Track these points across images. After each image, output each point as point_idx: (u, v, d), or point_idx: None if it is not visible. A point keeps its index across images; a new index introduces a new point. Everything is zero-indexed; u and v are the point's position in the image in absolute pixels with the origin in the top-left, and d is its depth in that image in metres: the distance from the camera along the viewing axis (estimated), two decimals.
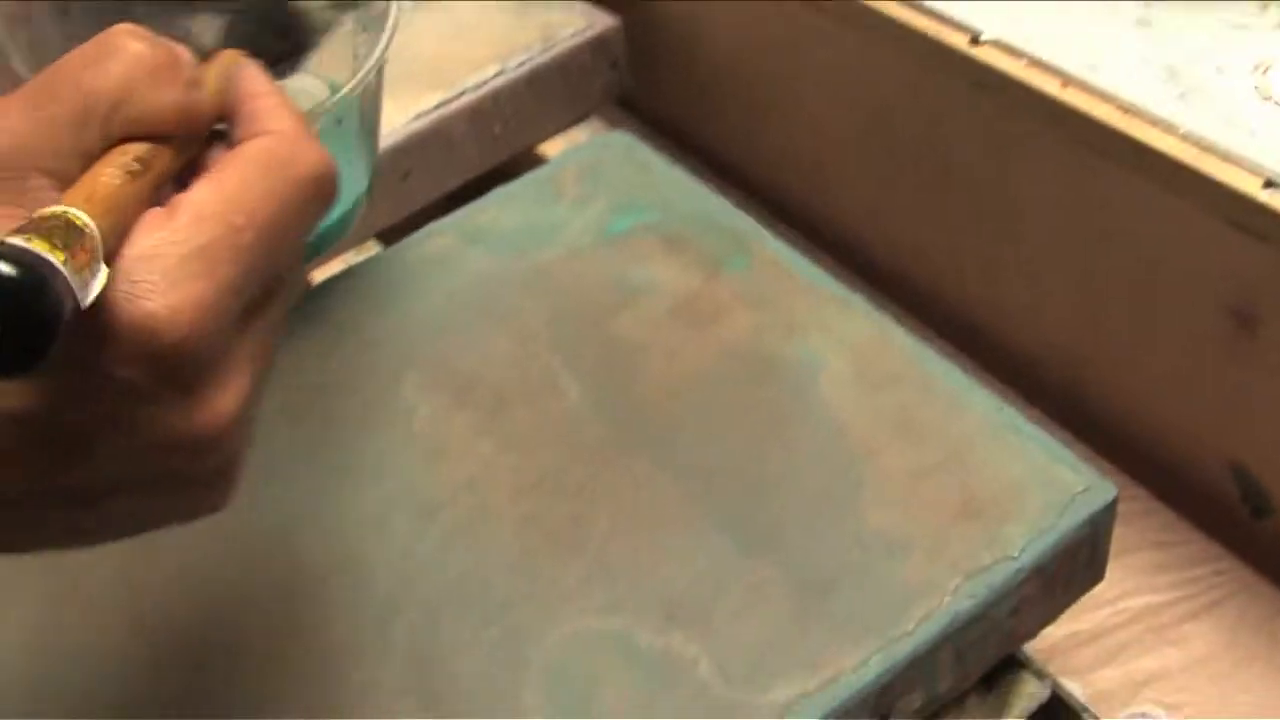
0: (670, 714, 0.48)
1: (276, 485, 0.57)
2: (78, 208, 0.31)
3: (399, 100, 0.75)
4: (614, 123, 0.81)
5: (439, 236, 0.67)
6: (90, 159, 0.35)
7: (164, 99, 0.36)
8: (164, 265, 0.33)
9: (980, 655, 0.52)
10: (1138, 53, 0.61)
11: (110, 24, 0.38)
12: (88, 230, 0.31)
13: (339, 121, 0.57)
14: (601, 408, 0.58)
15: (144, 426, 0.34)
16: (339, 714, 0.50)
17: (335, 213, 0.61)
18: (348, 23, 0.62)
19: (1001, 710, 0.54)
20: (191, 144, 0.38)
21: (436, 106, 0.75)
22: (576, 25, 0.78)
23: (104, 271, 0.31)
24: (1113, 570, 0.61)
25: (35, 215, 0.31)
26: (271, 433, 0.59)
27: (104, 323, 0.32)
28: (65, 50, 0.36)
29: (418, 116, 0.74)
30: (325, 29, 0.62)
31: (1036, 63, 0.62)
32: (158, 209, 0.35)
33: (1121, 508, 0.63)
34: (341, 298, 0.65)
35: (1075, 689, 0.58)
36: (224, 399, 0.35)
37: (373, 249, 0.74)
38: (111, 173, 0.34)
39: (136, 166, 0.35)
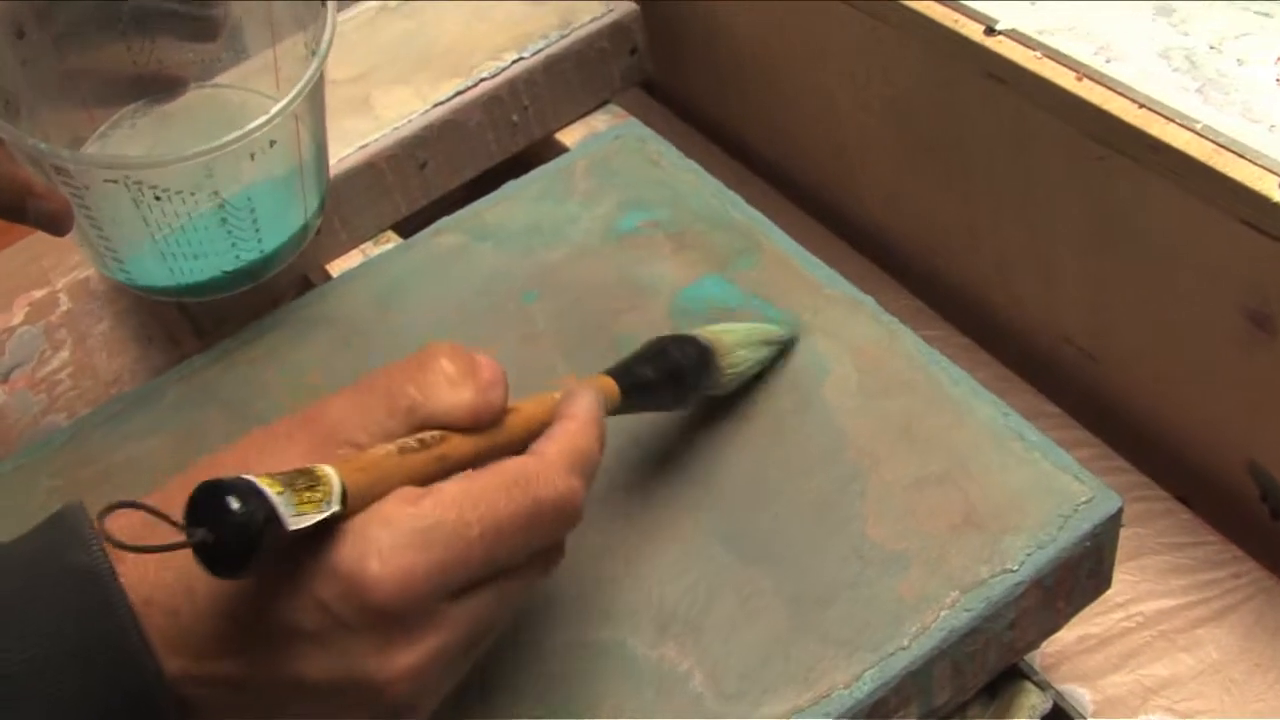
0: None
1: None
2: (334, 465, 0.40)
3: (415, 89, 0.75)
4: (636, 108, 0.80)
5: (448, 233, 0.67)
6: (393, 439, 0.43)
7: (458, 399, 0.44)
8: (394, 531, 0.40)
9: (979, 668, 0.51)
10: (1156, 43, 0.60)
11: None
12: (325, 479, 0.40)
13: (272, 143, 0.57)
14: None
15: (338, 648, 0.40)
16: None
17: (274, 242, 0.63)
18: (299, 41, 0.62)
19: None
20: (498, 438, 0.45)
21: (453, 95, 0.74)
22: (594, 11, 0.77)
23: (332, 511, 0.39)
24: (1126, 573, 0.60)
25: (300, 467, 0.40)
26: None
27: (331, 559, 0.40)
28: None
29: (434, 105, 0.74)
30: None
31: (1051, 54, 0.60)
32: (414, 488, 0.42)
33: (1138, 508, 0.62)
34: (352, 295, 0.65)
35: (1084, 695, 0.57)
36: (409, 656, 0.41)
37: (390, 240, 0.74)
38: (387, 447, 0.42)
39: (414, 445, 0.43)
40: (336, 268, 0.72)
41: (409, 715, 0.42)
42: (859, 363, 0.57)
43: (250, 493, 0.37)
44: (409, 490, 0.42)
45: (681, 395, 0.54)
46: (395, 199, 0.74)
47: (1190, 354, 0.62)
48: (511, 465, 0.43)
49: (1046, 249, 0.66)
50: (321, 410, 0.44)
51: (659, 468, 0.55)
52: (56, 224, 0.56)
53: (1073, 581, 0.52)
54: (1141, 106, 0.57)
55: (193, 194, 0.58)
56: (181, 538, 0.37)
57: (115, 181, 0.56)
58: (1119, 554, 0.54)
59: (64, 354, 0.75)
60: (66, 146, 0.62)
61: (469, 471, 0.44)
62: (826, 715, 0.48)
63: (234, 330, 0.66)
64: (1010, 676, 0.55)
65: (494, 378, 0.45)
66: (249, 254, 0.62)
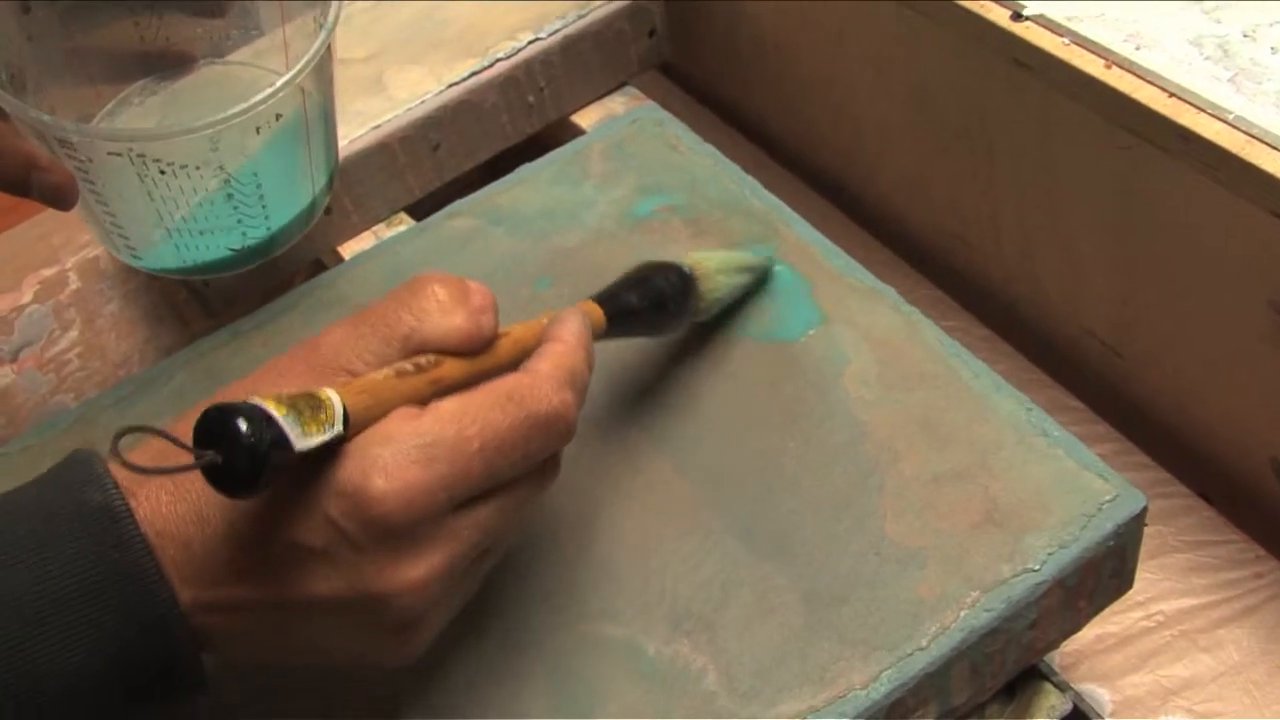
0: None
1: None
2: (335, 389, 0.41)
3: (429, 69, 0.74)
4: (654, 91, 0.79)
5: (462, 216, 0.66)
6: (389, 365, 0.44)
7: (450, 323, 0.45)
8: (396, 448, 0.42)
9: (998, 668, 0.50)
10: (1188, 31, 0.58)
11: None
12: (327, 401, 0.41)
13: (278, 117, 0.56)
14: (616, 401, 0.57)
15: (347, 563, 0.42)
16: (344, 717, 0.49)
17: (281, 219, 0.62)
18: (310, 19, 0.61)
19: None
20: (489, 362, 0.47)
21: (468, 76, 0.73)
22: None
23: (335, 432, 0.40)
24: (1147, 571, 0.59)
25: (300, 390, 0.41)
26: None
27: (337, 477, 0.41)
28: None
29: (449, 86, 0.73)
30: None
31: (1080, 41, 0.59)
32: (413, 407, 0.43)
33: (1160, 505, 0.61)
34: (362, 278, 0.64)
35: (1103, 695, 0.56)
36: (415, 569, 0.42)
37: (403, 222, 0.73)
38: (385, 371, 0.44)
39: (410, 369, 0.44)
40: (348, 249, 0.71)
41: (417, 629, 0.44)
42: (879, 354, 0.56)
43: (257, 415, 0.38)
44: (408, 409, 0.43)
45: (664, 321, 0.55)
46: (408, 180, 0.73)
47: (1215, 348, 0.60)
48: (506, 382, 0.45)
49: (1070, 240, 0.65)
50: (319, 341, 0.46)
51: (674, 461, 0.54)
52: (61, 197, 0.56)
53: (1095, 581, 0.51)
54: (1172, 95, 0.56)
55: (198, 168, 0.57)
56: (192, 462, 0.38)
57: (119, 155, 0.55)
58: (1139, 553, 0.53)
59: (73, 334, 0.74)
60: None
61: (465, 390, 0.45)
62: (842, 715, 0.47)
63: (244, 311, 0.65)
64: (1029, 676, 0.54)
65: (484, 303, 0.47)
66: (256, 231, 0.61)
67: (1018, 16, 0.60)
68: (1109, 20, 0.59)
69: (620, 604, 0.51)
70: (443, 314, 0.46)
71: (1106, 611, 0.54)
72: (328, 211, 0.70)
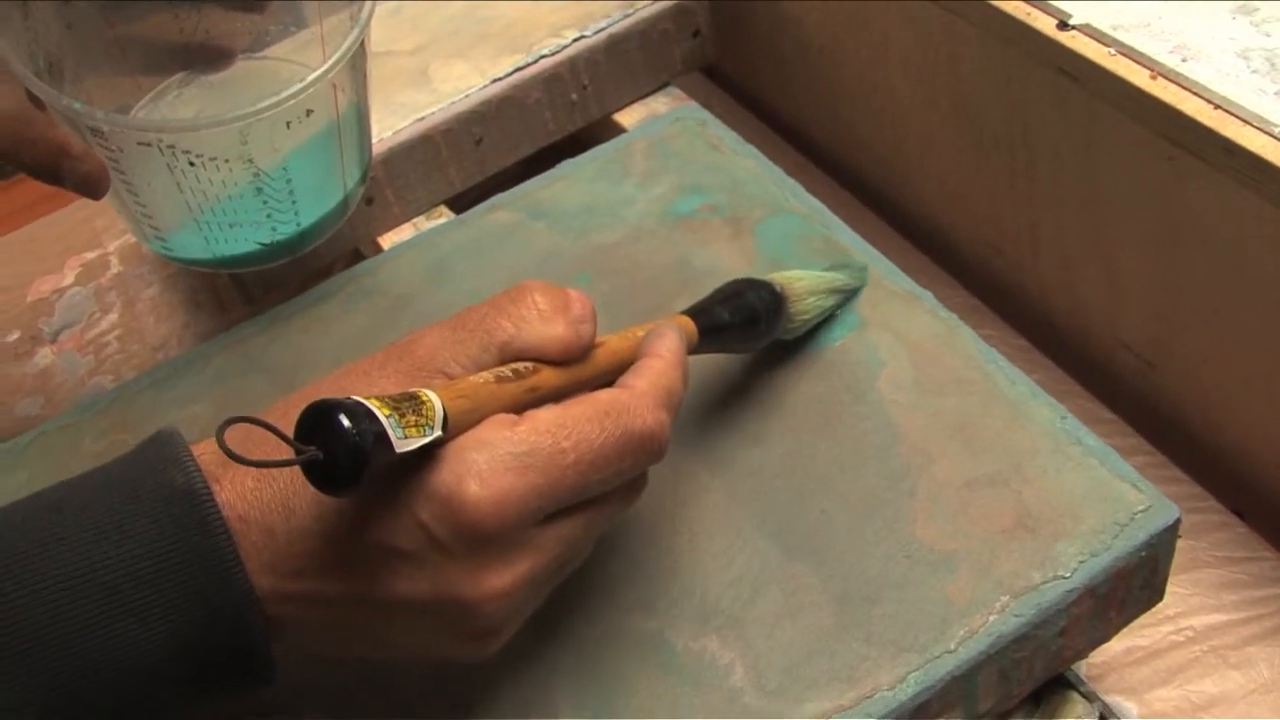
0: (702, 718, 0.48)
1: None
2: (434, 391, 0.41)
3: (473, 64, 0.74)
4: (696, 92, 0.79)
5: (502, 210, 0.66)
6: (486, 369, 0.45)
7: (550, 332, 0.46)
8: (492, 454, 0.42)
9: (1026, 675, 0.50)
10: (1236, 43, 0.58)
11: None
12: (428, 403, 0.41)
13: (309, 112, 0.57)
14: None
15: (434, 567, 0.42)
16: (365, 714, 0.49)
17: (311, 216, 0.62)
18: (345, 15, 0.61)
19: None
20: (586, 371, 0.47)
21: (511, 72, 0.73)
22: None
23: (435, 435, 0.40)
24: (1178, 586, 0.59)
25: (402, 391, 0.41)
26: None
27: (430, 481, 0.41)
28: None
29: (492, 81, 0.73)
30: None
31: (1126, 51, 0.59)
32: (509, 415, 0.43)
33: (1192, 520, 0.61)
34: (402, 268, 0.65)
35: (1130, 708, 0.56)
36: (501, 577, 0.42)
37: (443, 215, 0.73)
38: (484, 375, 0.44)
39: (508, 374, 0.44)
40: (388, 240, 0.72)
41: (495, 636, 0.44)
42: (915, 358, 0.56)
43: (362, 413, 0.38)
44: (505, 416, 0.43)
45: (754, 339, 0.55)
46: (450, 174, 0.73)
47: (1253, 364, 0.60)
48: (603, 397, 0.45)
49: (1109, 252, 0.65)
50: (415, 342, 0.46)
51: (707, 460, 0.54)
52: (92, 186, 0.57)
53: (1126, 591, 0.51)
54: (1217, 107, 0.56)
55: (226, 161, 0.57)
56: (288, 455, 0.38)
57: (149, 145, 0.56)
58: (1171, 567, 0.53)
59: (113, 316, 0.75)
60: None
61: (564, 401, 0.45)
62: (869, 715, 0.47)
63: (283, 298, 0.65)
64: (1056, 686, 0.54)
65: (584, 312, 0.47)
66: (285, 227, 0.62)
67: (1064, 25, 0.60)
68: (1155, 31, 0.59)
69: (650, 598, 0.51)
70: (542, 322, 0.46)
71: (1136, 625, 0.54)
72: (369, 202, 0.70)
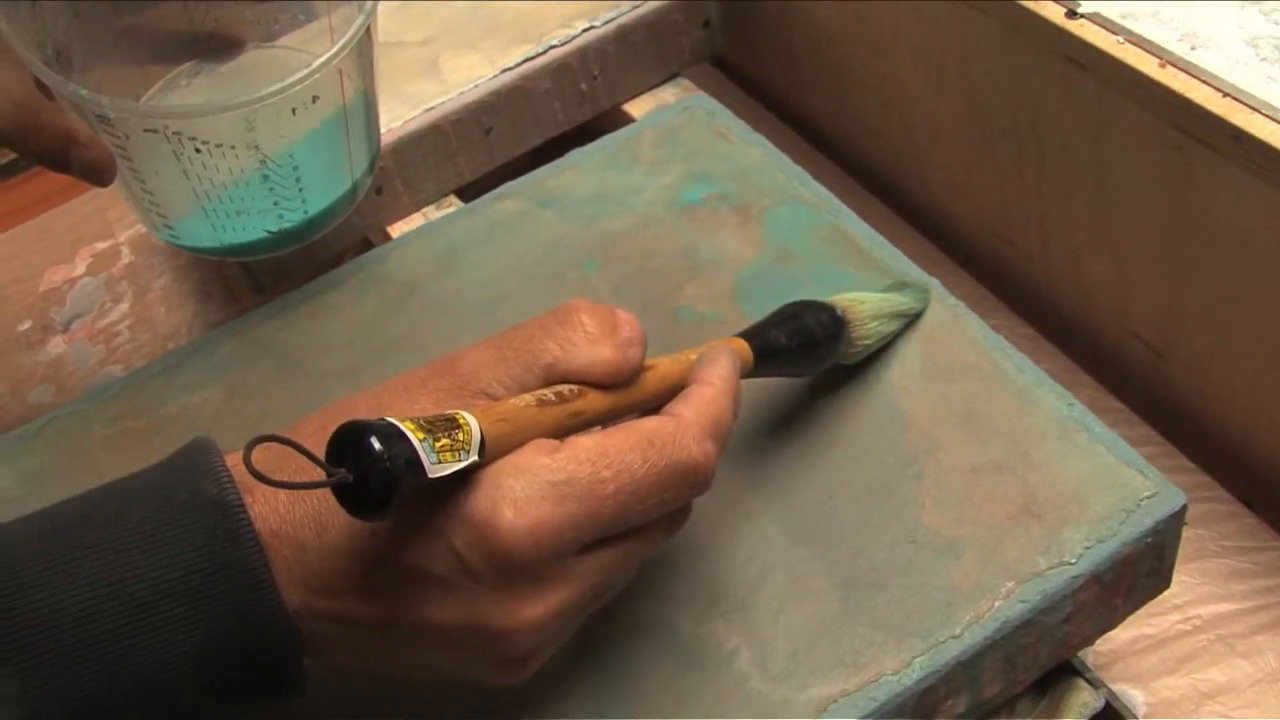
0: (707, 704, 0.48)
1: None
2: (473, 414, 0.40)
3: (483, 54, 0.74)
4: (705, 83, 0.79)
5: (511, 199, 0.66)
6: (530, 390, 0.44)
7: (596, 355, 0.44)
8: (529, 481, 0.41)
9: (1031, 661, 0.50)
10: (1245, 31, 0.58)
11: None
12: (465, 426, 0.39)
13: (315, 99, 0.57)
14: None
15: (466, 595, 0.41)
16: (378, 698, 0.49)
17: (319, 203, 0.62)
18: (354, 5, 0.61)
19: (1053, 717, 0.53)
20: (633, 396, 0.45)
21: (521, 62, 0.73)
22: None
23: (471, 460, 0.39)
24: (1185, 575, 0.59)
25: (439, 413, 0.40)
26: (331, 392, 0.59)
27: (465, 506, 0.40)
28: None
29: (502, 71, 0.73)
30: None
31: (1135, 39, 0.59)
32: (549, 440, 0.42)
33: (1201, 509, 0.61)
34: (411, 256, 0.65)
35: (1136, 697, 0.56)
36: (534, 607, 0.41)
37: (453, 204, 0.73)
38: (525, 398, 0.43)
39: (551, 398, 0.43)
40: (397, 230, 0.72)
41: (526, 664, 0.43)
42: (922, 345, 0.56)
43: (394, 436, 0.37)
44: (545, 442, 0.42)
45: (811, 363, 0.53)
46: (459, 163, 0.74)
47: (1262, 353, 0.60)
48: (648, 425, 0.43)
49: (1118, 241, 0.65)
50: (458, 359, 0.45)
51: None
52: (98, 173, 0.56)
53: (1132, 578, 0.51)
54: (1226, 95, 0.56)
55: (233, 148, 0.57)
56: (320, 475, 0.37)
57: (155, 131, 0.56)
58: (1178, 555, 0.53)
59: (124, 306, 0.75)
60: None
61: (605, 428, 0.44)
62: (873, 700, 0.47)
63: (292, 288, 0.65)
64: (1062, 673, 0.54)
65: (632, 335, 0.45)
66: (293, 215, 0.62)
67: (1072, 14, 0.60)
68: (1164, 19, 0.59)
69: (657, 583, 0.51)
70: (589, 345, 0.45)
71: (1143, 613, 0.54)
72: (378, 191, 0.70)
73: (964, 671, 0.48)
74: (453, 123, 0.72)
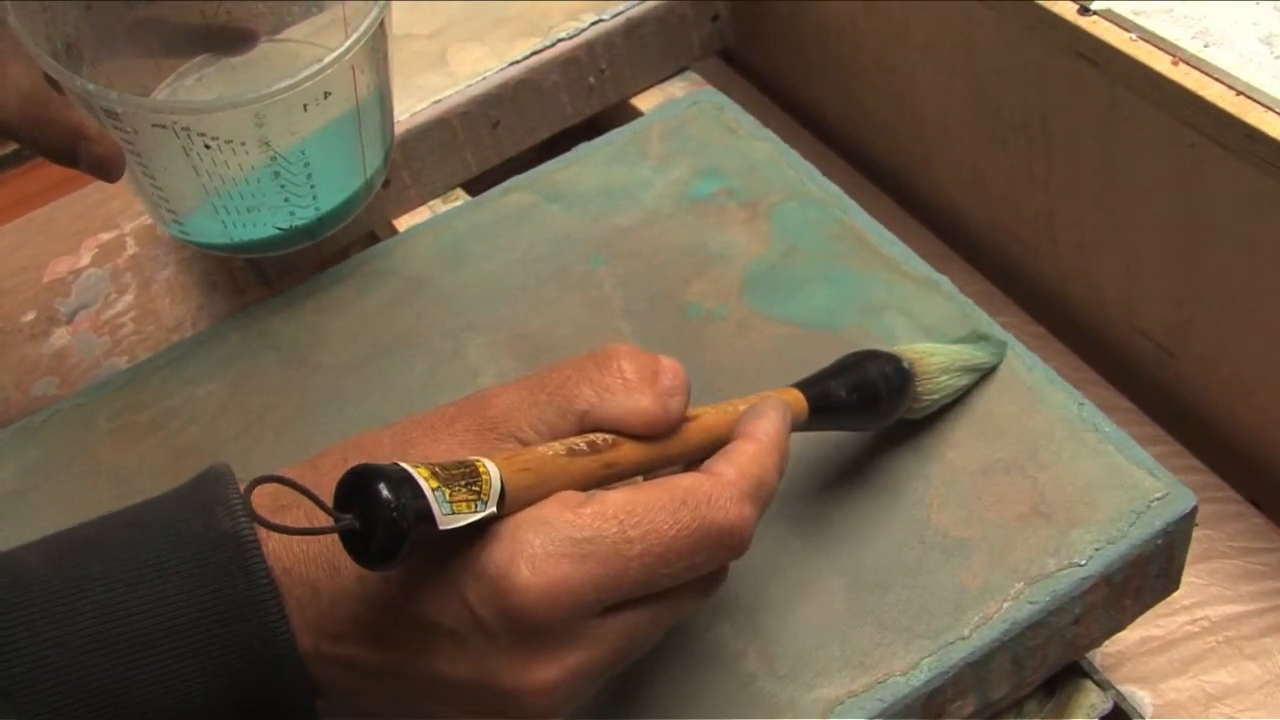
0: (714, 704, 0.47)
1: (335, 443, 0.56)
2: (496, 461, 0.38)
3: (490, 47, 0.74)
4: (714, 77, 0.79)
5: (518, 192, 0.66)
6: (561, 439, 0.42)
7: (634, 405, 0.42)
8: (550, 537, 0.38)
9: (1040, 663, 0.50)
10: (1259, 28, 0.58)
11: None
12: (485, 475, 0.38)
13: (327, 95, 0.56)
14: None
15: (477, 651, 0.39)
16: None
17: (330, 201, 0.62)
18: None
19: (1061, 718, 0.52)
20: (672, 448, 0.43)
21: (529, 55, 0.73)
22: None
23: (488, 511, 0.37)
24: (1194, 576, 0.59)
25: (462, 459, 0.38)
26: (336, 387, 0.59)
27: (480, 558, 0.38)
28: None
29: (509, 64, 0.73)
30: None
31: (1147, 36, 0.58)
32: (576, 493, 0.40)
33: (1210, 509, 0.60)
34: (417, 250, 0.65)
35: (1144, 698, 0.55)
36: (548, 669, 0.39)
37: (459, 198, 0.73)
38: (555, 446, 0.41)
39: (583, 447, 0.41)
40: (404, 223, 0.71)
41: None
42: (931, 343, 0.56)
43: (404, 483, 0.36)
44: (571, 495, 0.40)
45: (873, 419, 0.50)
46: (466, 157, 0.73)
47: (1272, 352, 0.60)
48: (683, 483, 0.41)
49: (1128, 239, 0.64)
50: (489, 400, 0.43)
51: None
52: (107, 168, 0.56)
53: (1141, 580, 0.50)
54: (1239, 94, 0.55)
55: (243, 144, 0.56)
56: (328, 520, 0.36)
57: (163, 127, 0.55)
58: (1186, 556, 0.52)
59: (128, 298, 0.75)
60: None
61: (637, 483, 0.42)
62: (881, 701, 0.46)
63: (298, 281, 0.65)
64: (1070, 674, 0.53)
65: (675, 385, 0.43)
66: (304, 212, 0.61)
67: (1085, 10, 0.60)
68: (1177, 16, 0.59)
69: None
70: (627, 393, 0.42)
71: (1151, 614, 0.54)
72: (385, 184, 0.70)
73: (972, 673, 0.48)
74: (460, 116, 0.72)
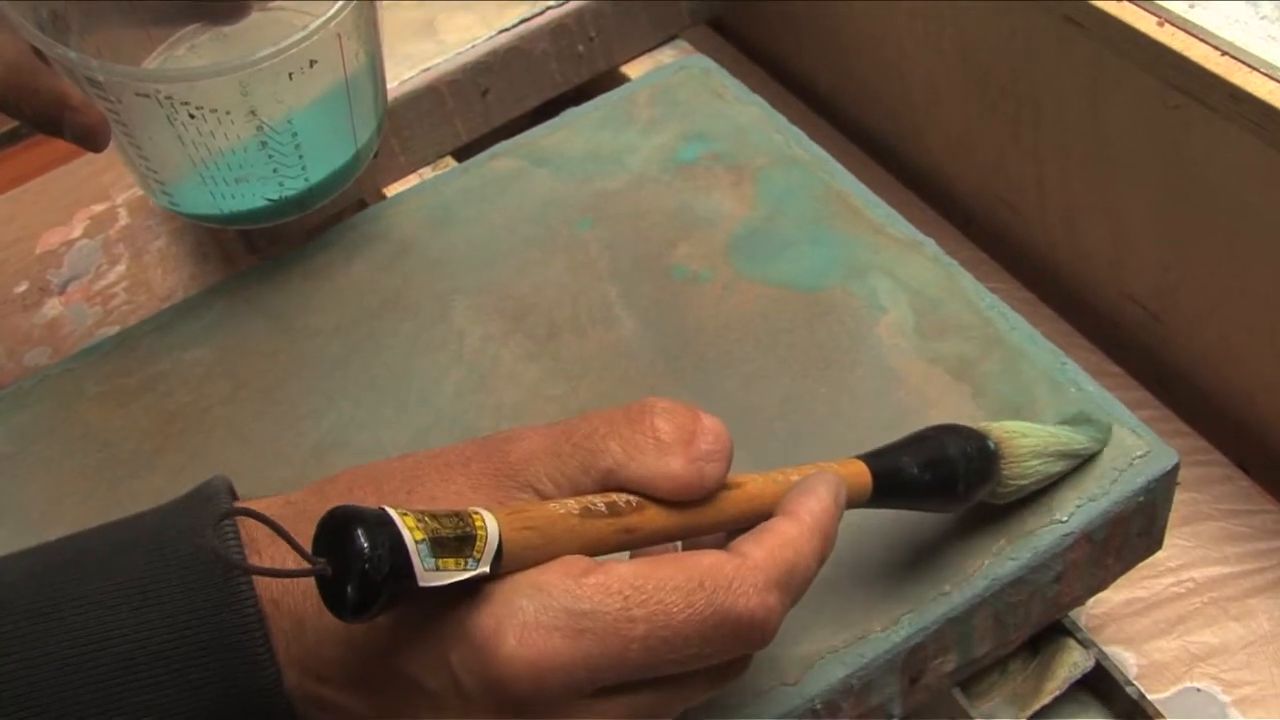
0: None
1: (321, 405, 0.57)
2: (498, 516, 0.35)
3: (480, 15, 0.74)
4: (704, 45, 0.79)
5: (505, 157, 0.66)
6: (582, 495, 0.38)
7: (663, 467, 0.38)
8: (543, 605, 0.35)
9: (1022, 620, 0.50)
10: None
11: None
12: (480, 532, 0.34)
13: (312, 63, 0.56)
14: (653, 341, 0.57)
15: (454, 715, 0.36)
16: None
17: (320, 171, 0.61)
18: None
19: (1044, 677, 0.52)
20: (705, 517, 0.39)
21: (518, 23, 0.73)
22: None
23: (478, 571, 0.34)
24: (1179, 537, 0.59)
25: (457, 509, 0.35)
26: (322, 350, 0.59)
27: (467, 620, 0.35)
28: None
29: (499, 32, 0.73)
30: None
31: None
32: (582, 559, 0.37)
33: (1197, 472, 0.60)
34: (405, 215, 0.65)
35: (1128, 658, 0.56)
36: None
37: (449, 166, 0.73)
38: (568, 504, 0.37)
39: (600, 509, 0.37)
40: (393, 191, 0.72)
41: None
42: (915, 304, 0.56)
43: (386, 531, 0.33)
44: (576, 561, 0.37)
45: (947, 501, 0.45)
46: (455, 125, 0.73)
47: (1259, 315, 0.60)
48: (704, 562, 0.37)
49: (1115, 203, 0.64)
50: (512, 443, 0.40)
51: (704, 403, 0.54)
52: (92, 138, 0.55)
53: (1123, 538, 0.51)
54: (1225, 54, 0.55)
55: (228, 113, 0.56)
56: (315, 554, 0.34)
57: (147, 96, 0.55)
58: (1172, 518, 0.52)
59: (120, 268, 0.75)
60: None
61: (655, 554, 0.39)
62: (861, 656, 0.46)
63: (288, 249, 0.65)
64: (1053, 633, 0.53)
65: (714, 449, 0.39)
66: (294, 183, 0.61)
67: None
68: None
69: None
70: (658, 453, 0.38)
71: (1136, 576, 0.54)
72: (374, 154, 0.70)
73: (953, 629, 0.48)
74: (449, 84, 0.72)
